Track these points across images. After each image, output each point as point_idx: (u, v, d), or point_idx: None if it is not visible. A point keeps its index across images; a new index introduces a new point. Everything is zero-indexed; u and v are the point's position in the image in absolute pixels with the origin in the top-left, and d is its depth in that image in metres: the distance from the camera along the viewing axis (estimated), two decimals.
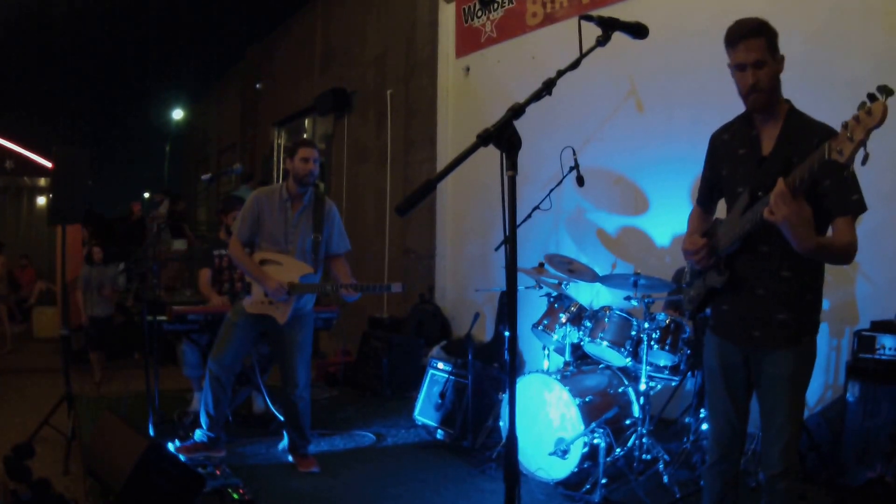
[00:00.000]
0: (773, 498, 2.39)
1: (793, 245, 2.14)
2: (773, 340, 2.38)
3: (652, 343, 3.92)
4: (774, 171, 2.11)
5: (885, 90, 1.80)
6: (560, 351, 4.41)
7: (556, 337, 4.29)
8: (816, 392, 4.17)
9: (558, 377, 3.91)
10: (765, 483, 2.42)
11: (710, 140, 2.63)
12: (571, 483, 3.76)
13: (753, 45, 2.26)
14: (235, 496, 3.40)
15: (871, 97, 1.82)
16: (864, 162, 1.85)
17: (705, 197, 2.71)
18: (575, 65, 1.90)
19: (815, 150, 1.98)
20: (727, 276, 2.44)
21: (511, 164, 1.71)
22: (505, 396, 4.23)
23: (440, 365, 4.87)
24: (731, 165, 2.50)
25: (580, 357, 4.42)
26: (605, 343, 4.05)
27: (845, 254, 2.27)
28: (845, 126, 1.85)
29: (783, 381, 2.37)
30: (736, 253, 2.42)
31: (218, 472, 3.69)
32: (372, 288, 4.16)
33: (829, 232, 2.31)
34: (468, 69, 7.00)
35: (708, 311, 2.65)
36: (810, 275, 2.38)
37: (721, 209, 2.64)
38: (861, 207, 2.25)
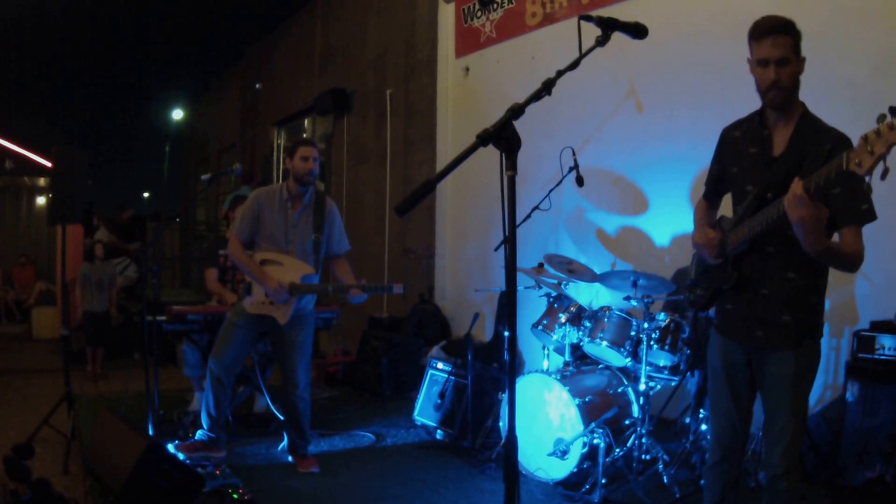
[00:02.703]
0: (774, 498, 2.39)
1: (803, 245, 2.14)
2: (775, 341, 2.38)
3: (651, 343, 3.93)
4: (784, 173, 2.12)
5: None
6: (559, 351, 4.41)
7: (555, 337, 4.29)
8: (816, 392, 4.17)
9: (558, 377, 3.91)
10: (766, 483, 2.43)
11: (721, 135, 2.62)
12: (571, 483, 3.76)
13: (781, 42, 2.26)
14: (235, 496, 3.40)
15: (893, 111, 1.80)
16: (883, 177, 1.84)
17: (711, 191, 2.71)
18: (574, 65, 1.90)
19: (833, 158, 1.97)
20: (735, 277, 2.44)
21: (510, 164, 1.71)
22: (504, 396, 4.24)
23: (440, 365, 4.87)
24: (740, 163, 2.50)
25: (580, 357, 4.42)
26: (604, 343, 4.06)
27: (852, 262, 2.28)
28: (865, 139, 1.84)
29: (785, 383, 2.37)
30: (743, 253, 2.43)
31: (218, 472, 3.69)
32: (375, 288, 4.16)
33: (836, 238, 2.31)
34: (468, 69, 7.00)
35: (711, 312, 2.66)
36: (815, 277, 2.38)
37: (727, 206, 2.64)
38: (870, 216, 2.25)
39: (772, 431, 2.41)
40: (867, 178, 1.87)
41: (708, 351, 2.66)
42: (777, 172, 2.30)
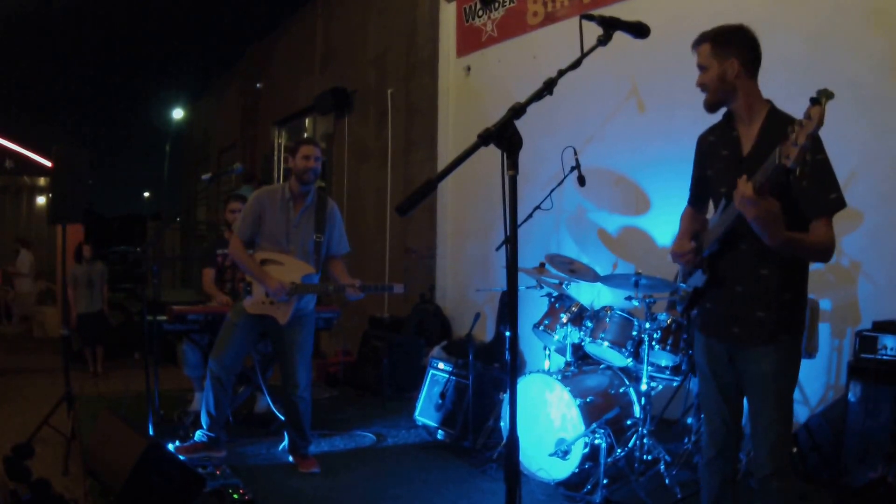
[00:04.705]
0: (767, 499, 2.38)
1: (763, 240, 2.15)
2: (751, 337, 2.39)
3: (653, 343, 3.92)
4: (752, 172, 2.12)
5: (825, 94, 1.85)
6: (561, 351, 4.40)
7: (557, 337, 4.28)
8: (818, 392, 4.16)
9: (559, 377, 3.91)
10: (757, 484, 2.42)
11: (698, 141, 2.68)
12: (572, 483, 3.75)
13: (699, 51, 2.48)
14: (235, 496, 3.39)
15: (813, 101, 1.85)
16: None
17: (694, 197, 2.76)
18: (576, 64, 1.90)
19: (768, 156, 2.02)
20: (708, 276, 2.48)
21: (512, 163, 1.70)
22: (506, 397, 4.23)
23: (441, 365, 4.86)
24: (715, 166, 2.55)
25: (581, 357, 4.41)
26: (606, 343, 4.05)
27: (820, 251, 2.28)
28: (792, 130, 1.89)
29: (765, 380, 2.38)
30: (717, 252, 2.46)
31: (218, 473, 3.69)
32: (374, 288, 4.15)
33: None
34: (469, 69, 6.99)
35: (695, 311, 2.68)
36: (789, 273, 2.38)
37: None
38: (839, 204, 2.25)
39: (757, 432, 2.41)
40: (795, 170, 1.89)
41: (695, 350, 2.67)
42: (745, 172, 2.30)
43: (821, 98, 1.84)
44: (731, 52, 2.38)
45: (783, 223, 2.11)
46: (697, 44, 2.47)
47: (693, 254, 2.52)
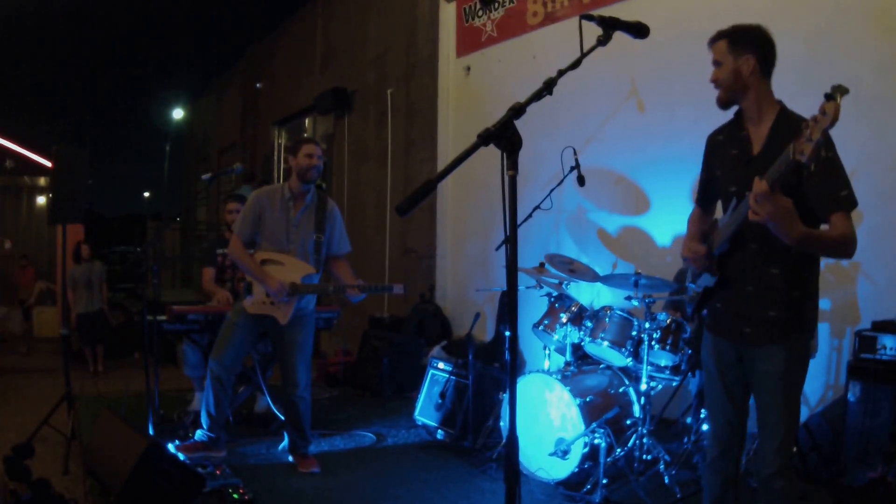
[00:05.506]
0: (769, 498, 2.39)
1: (783, 240, 2.15)
2: (761, 337, 2.39)
3: (653, 343, 3.92)
4: (761, 171, 2.12)
5: (840, 90, 1.84)
6: (561, 351, 4.40)
7: (556, 337, 4.29)
8: (817, 392, 4.16)
9: (559, 377, 3.91)
10: (760, 483, 2.42)
11: (707, 141, 2.67)
12: (572, 483, 3.75)
13: (715, 47, 2.44)
14: (235, 496, 3.40)
15: (828, 97, 1.85)
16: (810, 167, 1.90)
17: (702, 197, 2.76)
18: (576, 64, 1.90)
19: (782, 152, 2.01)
20: (719, 276, 2.48)
21: (512, 163, 1.70)
22: (505, 396, 4.23)
23: (441, 365, 4.86)
24: (724, 166, 2.55)
25: (581, 357, 4.41)
26: (605, 343, 4.05)
27: (841, 245, 2.26)
28: (806, 127, 1.88)
29: (774, 379, 2.38)
30: (727, 252, 2.45)
31: (218, 472, 3.69)
32: (374, 288, 4.16)
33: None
34: (469, 69, 7.00)
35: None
36: (799, 271, 2.38)
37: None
38: (851, 203, 2.25)
39: (764, 430, 2.42)
40: (809, 166, 1.89)
41: (702, 350, 2.67)
42: (755, 171, 2.29)
43: (835, 94, 1.83)
44: (748, 49, 2.37)
45: (798, 219, 2.10)
46: (714, 40, 2.45)
47: (705, 256, 2.52)
